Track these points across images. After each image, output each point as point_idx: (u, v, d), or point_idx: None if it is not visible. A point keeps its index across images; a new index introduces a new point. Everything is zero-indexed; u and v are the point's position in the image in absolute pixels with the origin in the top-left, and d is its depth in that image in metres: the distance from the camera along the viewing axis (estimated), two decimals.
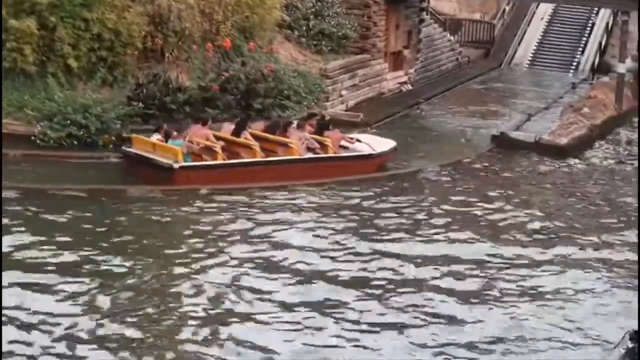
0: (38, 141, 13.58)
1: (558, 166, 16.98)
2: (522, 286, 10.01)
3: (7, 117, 13.98)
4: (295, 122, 14.90)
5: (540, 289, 9.88)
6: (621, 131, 19.92)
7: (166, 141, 13.41)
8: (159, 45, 15.74)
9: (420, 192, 14.31)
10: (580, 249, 11.57)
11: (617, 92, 20.75)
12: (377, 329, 8.64)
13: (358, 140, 15.20)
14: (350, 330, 8.46)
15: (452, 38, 26.88)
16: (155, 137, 13.58)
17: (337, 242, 11.04)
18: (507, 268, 10.55)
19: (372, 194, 13.49)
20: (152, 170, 13.48)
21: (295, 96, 16.44)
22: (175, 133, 13.58)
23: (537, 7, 28.28)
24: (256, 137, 14.13)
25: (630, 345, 8.91)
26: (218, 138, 13.89)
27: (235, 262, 10.07)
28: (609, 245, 11.73)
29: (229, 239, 11.07)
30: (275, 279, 9.54)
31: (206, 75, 15.71)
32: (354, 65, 19.70)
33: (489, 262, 10.70)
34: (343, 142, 14.89)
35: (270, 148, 14.09)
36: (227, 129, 14.24)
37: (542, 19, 28.87)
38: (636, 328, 9.14)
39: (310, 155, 14.22)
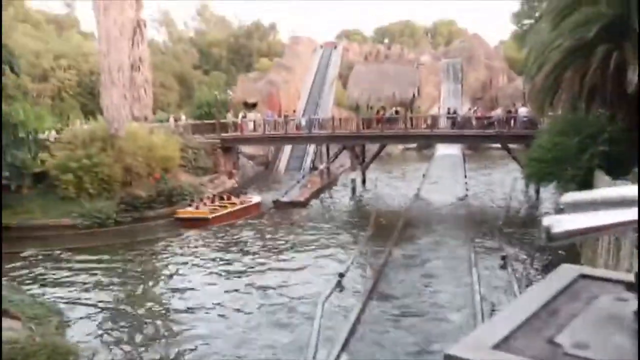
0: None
1: (302, 212, 30.25)
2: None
3: None
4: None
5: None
6: (325, 192, 35.54)
7: (197, 208, 28.02)
8: (130, 180, 30.34)
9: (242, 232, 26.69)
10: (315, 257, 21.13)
11: (322, 177, 37.52)
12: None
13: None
14: None
15: (251, 162, 42.86)
16: (193, 207, 28.10)
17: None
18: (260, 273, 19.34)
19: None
20: (193, 222, 26.40)
21: (189, 195, 30.41)
22: (197, 204, 28.45)
23: None
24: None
25: (339, 279, 15.48)
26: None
27: None
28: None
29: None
30: None
31: (152, 190, 30.74)
32: (213, 177, 33.96)
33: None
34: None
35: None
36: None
37: (287, 147, 45.32)
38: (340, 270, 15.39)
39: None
